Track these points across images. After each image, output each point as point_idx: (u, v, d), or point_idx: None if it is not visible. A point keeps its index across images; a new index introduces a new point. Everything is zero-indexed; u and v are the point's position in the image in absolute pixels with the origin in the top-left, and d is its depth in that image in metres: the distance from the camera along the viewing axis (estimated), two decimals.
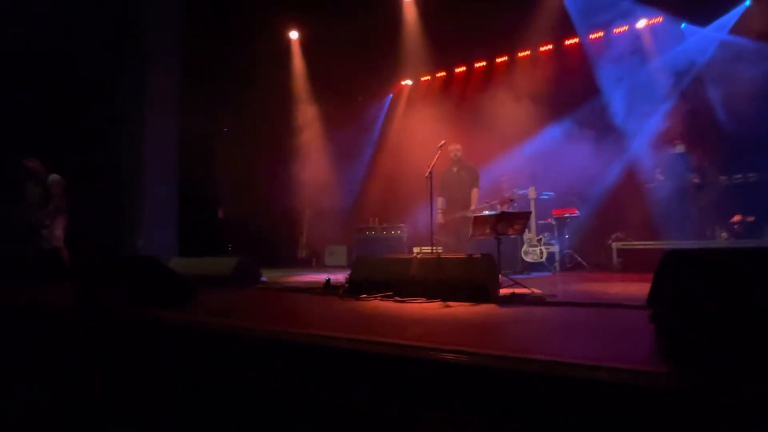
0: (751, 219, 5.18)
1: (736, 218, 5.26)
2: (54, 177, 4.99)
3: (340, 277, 4.39)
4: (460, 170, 5.13)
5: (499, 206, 6.37)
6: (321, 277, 4.80)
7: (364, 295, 3.30)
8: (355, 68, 7.84)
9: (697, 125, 5.87)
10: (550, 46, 7.54)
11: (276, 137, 8.54)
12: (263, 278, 4.74)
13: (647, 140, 6.16)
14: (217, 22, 7.39)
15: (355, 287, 3.45)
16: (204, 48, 7.40)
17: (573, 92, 6.85)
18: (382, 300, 3.13)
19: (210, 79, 7.84)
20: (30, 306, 3.10)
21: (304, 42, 8.60)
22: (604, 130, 6.43)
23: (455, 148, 5.20)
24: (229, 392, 1.89)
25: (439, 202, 5.13)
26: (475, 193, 4.96)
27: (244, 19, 7.34)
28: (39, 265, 4.69)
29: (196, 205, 7.89)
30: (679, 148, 5.77)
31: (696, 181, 5.52)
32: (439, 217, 4.99)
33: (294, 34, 8.55)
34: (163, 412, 2.01)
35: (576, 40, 7.31)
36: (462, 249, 4.87)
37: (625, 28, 6.88)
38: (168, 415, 1.99)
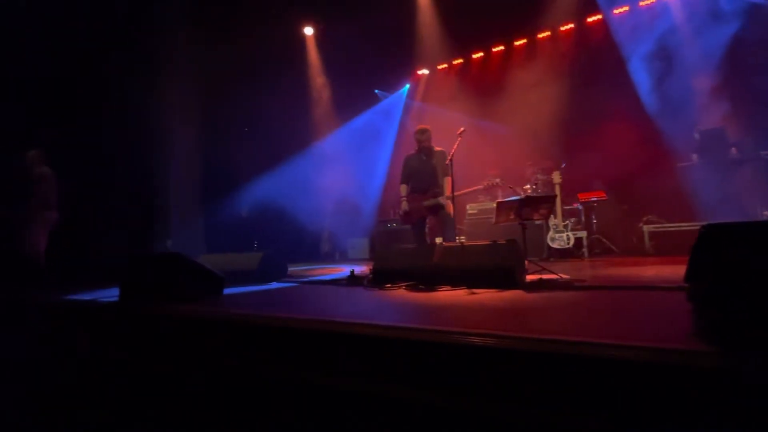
0: None
1: None
2: (44, 169, 4.30)
3: (363, 269, 4.44)
4: (430, 157, 4.54)
5: (482, 194, 6.10)
6: (345, 269, 4.85)
7: (389, 285, 3.32)
8: (371, 60, 7.79)
9: (735, 97, 5.53)
10: (571, 25, 7.27)
11: (295, 133, 8.63)
12: (288, 272, 4.83)
13: (680, 117, 5.86)
14: (229, 25, 7.45)
15: (380, 277, 3.47)
16: (218, 53, 7.49)
17: (597, 71, 6.59)
18: (407, 289, 3.14)
19: (226, 81, 7.96)
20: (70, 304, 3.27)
21: (318, 37, 8.62)
22: (633, 110, 6.16)
23: (422, 131, 4.56)
24: (264, 384, 1.94)
25: (403, 189, 4.64)
26: (448, 181, 4.32)
27: (257, 19, 7.39)
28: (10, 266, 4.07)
29: (221, 206, 8.10)
30: (715, 123, 5.45)
31: (735, 155, 5.22)
32: (404, 205, 4.55)
33: (309, 30, 8.57)
34: (199, 405, 2.08)
35: (599, 16, 7.03)
36: (420, 237, 4.60)
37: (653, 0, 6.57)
38: (204, 408, 2.05)
